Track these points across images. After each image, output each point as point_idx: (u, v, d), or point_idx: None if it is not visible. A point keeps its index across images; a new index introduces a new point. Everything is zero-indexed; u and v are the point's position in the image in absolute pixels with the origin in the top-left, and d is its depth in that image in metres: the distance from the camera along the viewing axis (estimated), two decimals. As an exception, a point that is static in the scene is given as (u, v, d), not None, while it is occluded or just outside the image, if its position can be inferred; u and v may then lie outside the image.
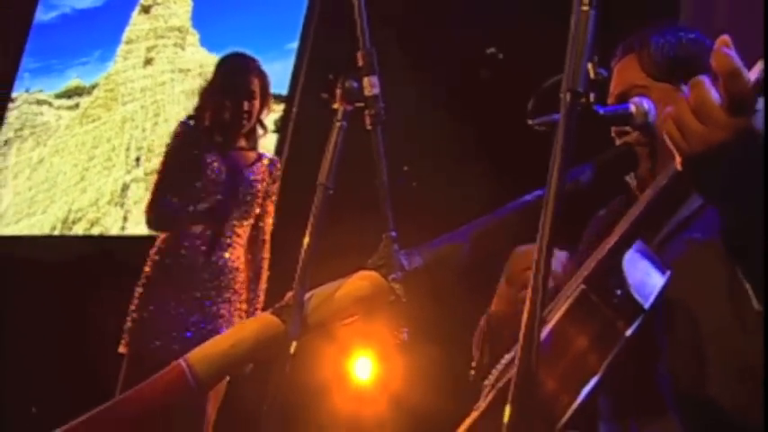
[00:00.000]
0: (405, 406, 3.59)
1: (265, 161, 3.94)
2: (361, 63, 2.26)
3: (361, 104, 2.23)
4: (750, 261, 1.36)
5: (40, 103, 6.64)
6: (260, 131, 3.98)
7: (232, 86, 3.87)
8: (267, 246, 3.93)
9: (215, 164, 3.76)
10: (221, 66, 4.04)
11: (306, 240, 2.12)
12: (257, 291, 3.85)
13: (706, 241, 1.57)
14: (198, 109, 3.96)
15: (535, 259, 1.22)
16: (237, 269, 3.78)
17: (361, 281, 1.95)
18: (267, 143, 4.85)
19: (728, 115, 1.24)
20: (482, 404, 1.62)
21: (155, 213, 3.76)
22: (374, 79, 2.24)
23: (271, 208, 3.95)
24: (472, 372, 1.90)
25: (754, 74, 1.30)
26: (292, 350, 1.93)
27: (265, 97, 3.93)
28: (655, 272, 1.49)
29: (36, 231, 6.05)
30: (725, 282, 1.48)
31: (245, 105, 3.81)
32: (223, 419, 3.64)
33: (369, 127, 2.22)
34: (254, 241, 3.92)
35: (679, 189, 1.59)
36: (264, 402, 1.89)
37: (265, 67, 3.97)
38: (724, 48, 1.26)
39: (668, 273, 1.49)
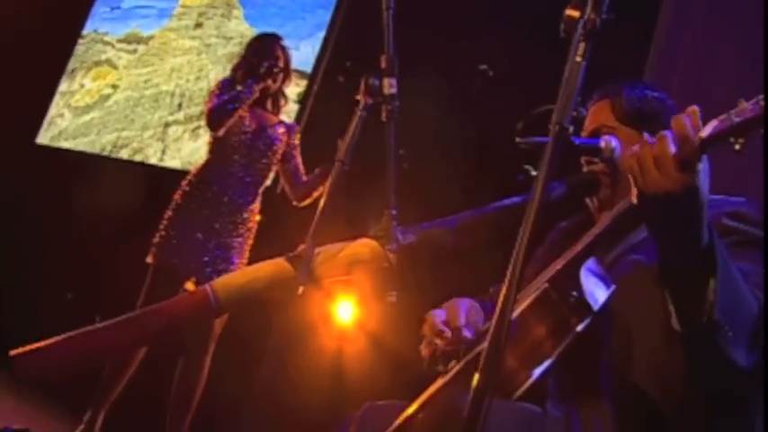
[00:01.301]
0: (380, 343, 3.61)
1: (284, 127, 3.89)
2: (383, 65, 2.23)
3: (380, 100, 2.21)
4: (675, 289, 1.37)
5: (104, 43, 6.53)
6: (282, 101, 3.94)
7: (261, 50, 3.84)
8: (304, 175, 3.88)
9: (246, 120, 3.73)
10: (253, 39, 4.03)
11: (320, 205, 2.12)
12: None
13: (649, 265, 1.57)
14: (233, 70, 3.91)
15: (513, 259, 1.24)
16: (252, 211, 3.75)
17: (362, 247, 1.94)
18: (289, 112, 4.82)
19: (678, 170, 1.26)
20: (450, 373, 1.63)
21: (209, 112, 3.67)
22: (393, 81, 2.22)
23: (297, 152, 3.89)
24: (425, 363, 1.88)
25: (707, 130, 1.32)
26: (300, 292, 1.94)
27: (287, 69, 3.89)
28: (603, 284, 1.50)
29: (88, 149, 5.99)
30: (659, 301, 1.48)
31: (273, 61, 3.78)
32: (225, 346, 3.63)
33: (383, 120, 2.20)
34: (295, 179, 3.87)
35: (633, 216, 1.61)
36: (269, 336, 1.90)
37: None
38: (684, 116, 1.28)
39: (613, 286, 1.50)
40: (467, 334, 1.73)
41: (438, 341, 1.74)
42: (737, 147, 1.31)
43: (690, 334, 1.35)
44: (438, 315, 1.79)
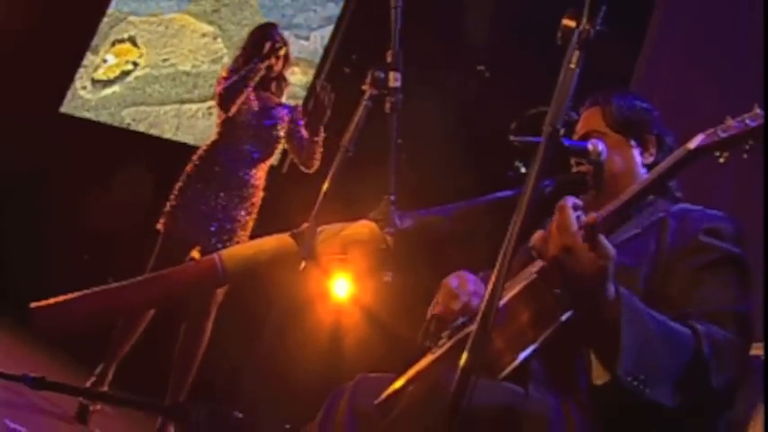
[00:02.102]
0: (373, 318, 3.61)
1: (286, 109, 3.85)
2: (389, 60, 2.22)
3: (385, 92, 2.20)
4: (590, 346, 1.39)
5: (127, 23, 6.46)
6: (283, 84, 3.91)
7: (260, 36, 3.81)
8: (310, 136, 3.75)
9: (252, 101, 3.72)
10: (252, 30, 3.98)
11: (324, 186, 2.11)
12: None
13: (631, 267, 1.57)
14: (235, 60, 3.88)
15: (503, 249, 1.24)
16: (257, 187, 3.73)
17: (362, 228, 1.94)
18: (297, 99, 4.79)
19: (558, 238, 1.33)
20: (439, 351, 1.62)
21: (221, 93, 3.65)
22: (398, 75, 2.21)
23: (301, 127, 3.80)
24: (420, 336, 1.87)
25: (694, 143, 1.36)
26: (301, 267, 1.93)
27: (287, 52, 3.85)
28: None
29: (109, 121, 5.94)
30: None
31: (274, 42, 3.74)
32: (228, 318, 3.61)
33: (387, 111, 2.19)
34: (300, 148, 3.76)
35: (615, 218, 1.61)
36: (269, 309, 1.89)
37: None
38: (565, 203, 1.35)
39: None
40: (475, 300, 1.73)
41: (453, 304, 1.72)
42: (722, 160, 1.32)
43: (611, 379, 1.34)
44: (452, 282, 1.78)
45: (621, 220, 1.66)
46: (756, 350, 1.93)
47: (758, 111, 1.33)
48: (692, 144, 1.37)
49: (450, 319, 1.71)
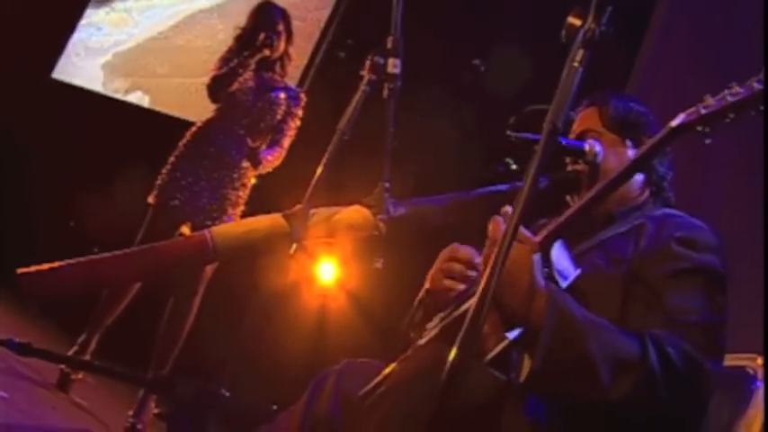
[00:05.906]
0: (358, 301, 3.62)
1: (285, 93, 3.76)
2: (389, 46, 2.23)
3: (383, 78, 2.20)
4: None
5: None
6: (287, 62, 3.86)
7: (259, 21, 3.74)
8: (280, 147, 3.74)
9: (250, 83, 3.67)
10: (253, 9, 3.88)
11: (319, 170, 2.10)
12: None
13: (606, 268, 1.59)
14: (235, 39, 3.80)
15: (501, 238, 1.24)
16: (248, 167, 3.69)
17: (355, 213, 1.94)
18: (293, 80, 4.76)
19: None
20: (428, 336, 1.63)
21: (211, 82, 3.64)
22: (397, 61, 2.23)
23: (291, 123, 3.74)
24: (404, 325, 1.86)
25: (677, 120, 1.39)
26: (292, 251, 1.92)
27: (289, 32, 3.81)
28: (570, 266, 1.50)
29: (101, 90, 5.88)
30: (611, 304, 1.51)
31: (270, 32, 3.68)
32: (212, 301, 3.60)
33: (385, 97, 2.20)
34: (276, 136, 3.72)
35: (596, 212, 1.62)
36: (255, 292, 1.90)
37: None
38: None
39: (579, 270, 1.50)
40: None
41: (473, 273, 1.70)
42: (705, 137, 1.36)
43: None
44: (465, 249, 1.75)
45: (606, 219, 1.68)
46: (736, 360, 1.91)
47: (737, 88, 1.36)
48: (675, 122, 1.40)
49: (443, 298, 1.69)
